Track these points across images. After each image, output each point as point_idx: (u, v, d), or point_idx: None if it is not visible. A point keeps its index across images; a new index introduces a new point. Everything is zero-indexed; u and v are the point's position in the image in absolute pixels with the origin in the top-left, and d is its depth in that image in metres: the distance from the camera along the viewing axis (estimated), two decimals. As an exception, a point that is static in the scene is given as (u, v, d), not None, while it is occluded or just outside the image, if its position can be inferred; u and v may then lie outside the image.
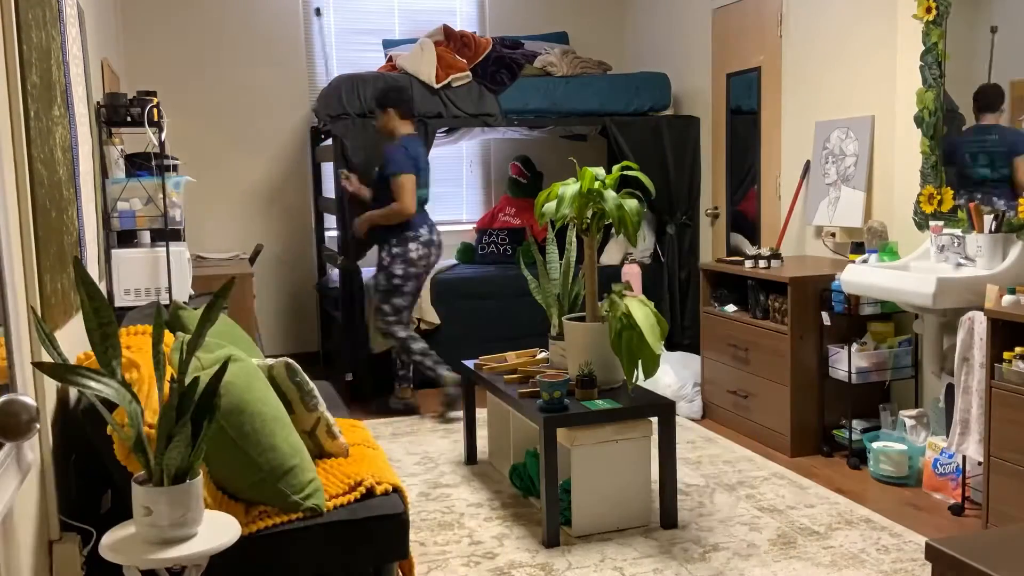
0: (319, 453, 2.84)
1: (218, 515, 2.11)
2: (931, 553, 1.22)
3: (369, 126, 5.36)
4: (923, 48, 3.96)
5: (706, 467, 4.11)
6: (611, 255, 6.10)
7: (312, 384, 2.82)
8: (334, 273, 5.80)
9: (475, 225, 6.57)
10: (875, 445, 3.89)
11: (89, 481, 2.58)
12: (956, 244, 3.72)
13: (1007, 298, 3.23)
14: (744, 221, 5.66)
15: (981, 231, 3.62)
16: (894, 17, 4.17)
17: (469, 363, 4.13)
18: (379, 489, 2.58)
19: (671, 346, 5.90)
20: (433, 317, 5.56)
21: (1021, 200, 3.49)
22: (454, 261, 6.35)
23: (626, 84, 5.96)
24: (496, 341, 5.65)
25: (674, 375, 4.96)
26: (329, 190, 5.90)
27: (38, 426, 1.73)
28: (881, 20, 4.31)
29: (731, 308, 4.68)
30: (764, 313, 4.42)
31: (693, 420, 4.85)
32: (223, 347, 2.58)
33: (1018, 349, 3.08)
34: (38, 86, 2.32)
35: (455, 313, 5.64)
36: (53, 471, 2.20)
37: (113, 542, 1.97)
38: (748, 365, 4.50)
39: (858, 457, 4.06)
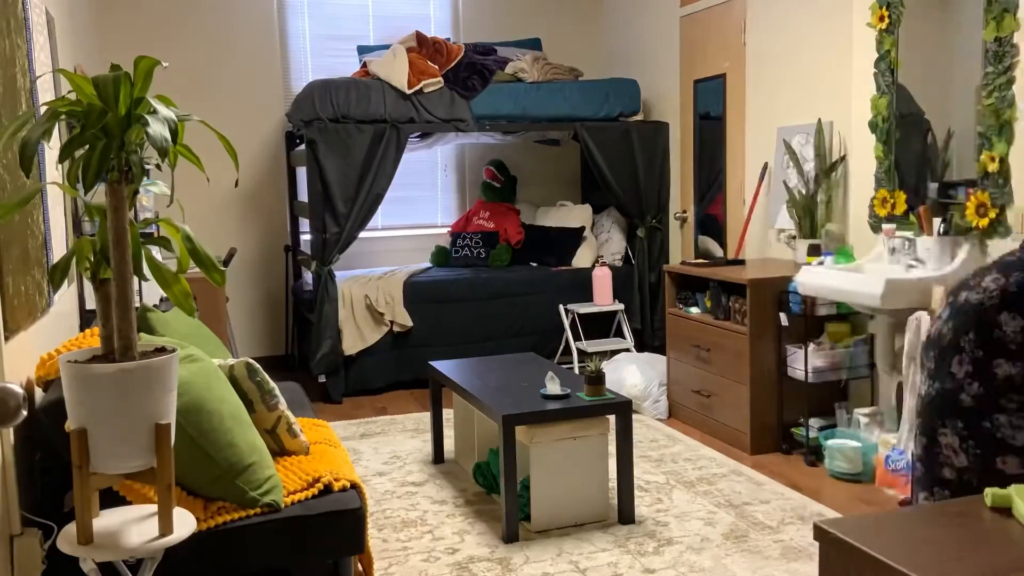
0: (280, 451, 2.91)
1: (175, 510, 2.18)
2: (818, 533, 1.31)
3: (341, 131, 5.43)
4: (876, 56, 4.07)
5: (668, 465, 4.20)
6: (582, 259, 6.19)
7: (273, 384, 2.89)
8: (308, 276, 5.87)
9: (450, 228, 6.65)
10: (830, 443, 3.99)
11: (56, 478, 2.64)
12: (907, 247, 3.82)
13: (951, 299, 3.33)
14: (714, 224, 5.76)
15: (931, 234, 3.73)
16: (850, 25, 4.28)
17: (438, 364, 4.20)
18: (336, 485, 2.66)
19: (641, 347, 6.00)
20: (406, 319, 5.63)
21: (967, 204, 3.60)
22: (428, 264, 6.43)
23: (597, 90, 6.06)
24: (468, 343, 5.74)
25: (640, 375, 5.06)
26: (303, 194, 5.96)
27: (25, 412, 1.81)
28: (838, 28, 4.42)
29: (695, 310, 4.78)
30: (726, 314, 4.52)
31: (659, 420, 4.94)
32: (185, 347, 2.65)
33: (960, 348, 3.18)
34: (1, 93, 2.39)
35: (428, 315, 5.71)
36: (14, 467, 2.26)
37: (70, 535, 2.04)
38: (710, 365, 4.60)
39: (815, 454, 4.16)
